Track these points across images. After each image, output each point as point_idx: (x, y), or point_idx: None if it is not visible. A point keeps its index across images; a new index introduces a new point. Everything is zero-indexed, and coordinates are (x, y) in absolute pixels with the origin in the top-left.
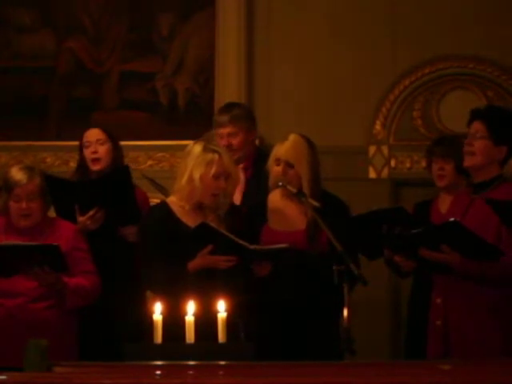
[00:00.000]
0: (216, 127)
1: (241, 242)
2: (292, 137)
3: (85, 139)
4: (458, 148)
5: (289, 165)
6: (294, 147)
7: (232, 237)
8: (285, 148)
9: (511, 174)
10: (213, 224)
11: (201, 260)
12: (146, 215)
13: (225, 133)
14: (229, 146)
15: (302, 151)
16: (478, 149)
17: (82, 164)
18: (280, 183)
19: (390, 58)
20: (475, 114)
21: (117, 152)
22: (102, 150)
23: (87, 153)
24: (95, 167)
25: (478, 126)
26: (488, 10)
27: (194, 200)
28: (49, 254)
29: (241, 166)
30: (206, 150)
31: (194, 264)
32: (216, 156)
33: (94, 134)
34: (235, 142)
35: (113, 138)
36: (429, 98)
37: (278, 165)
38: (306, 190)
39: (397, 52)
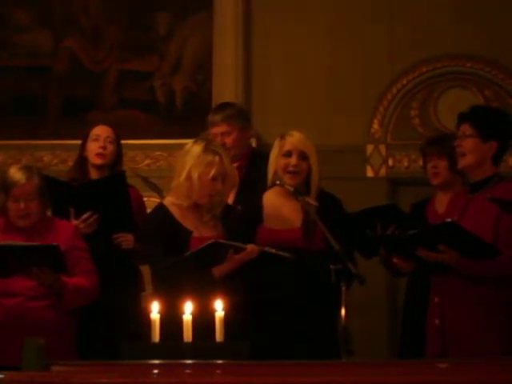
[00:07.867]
0: (210, 127)
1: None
2: (297, 132)
3: (94, 132)
4: (451, 146)
5: (303, 156)
6: (307, 140)
7: (239, 244)
8: (299, 139)
9: None
10: (222, 240)
11: (230, 263)
12: (146, 220)
13: (218, 132)
14: (222, 145)
15: (312, 144)
16: (468, 148)
17: (82, 160)
18: (278, 182)
19: (388, 56)
20: (460, 118)
21: (118, 153)
22: (110, 148)
23: (94, 146)
24: (98, 161)
25: (464, 128)
26: (486, 9)
27: (192, 199)
28: (48, 254)
29: (235, 165)
30: (206, 150)
31: (222, 269)
32: (217, 158)
33: (105, 131)
34: (228, 140)
35: (118, 139)
36: (426, 97)
37: (287, 157)
38: (314, 182)
39: (394, 51)
